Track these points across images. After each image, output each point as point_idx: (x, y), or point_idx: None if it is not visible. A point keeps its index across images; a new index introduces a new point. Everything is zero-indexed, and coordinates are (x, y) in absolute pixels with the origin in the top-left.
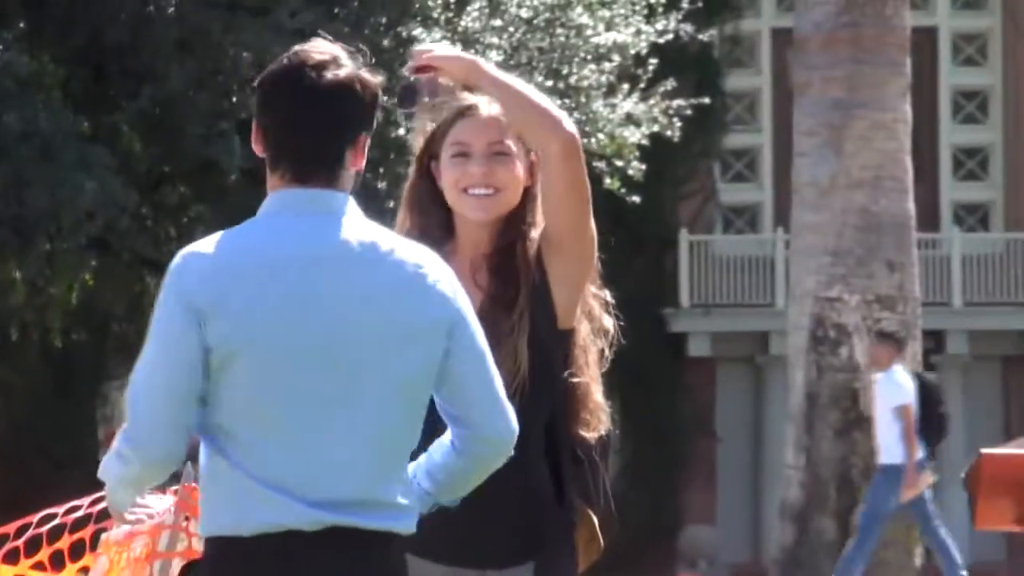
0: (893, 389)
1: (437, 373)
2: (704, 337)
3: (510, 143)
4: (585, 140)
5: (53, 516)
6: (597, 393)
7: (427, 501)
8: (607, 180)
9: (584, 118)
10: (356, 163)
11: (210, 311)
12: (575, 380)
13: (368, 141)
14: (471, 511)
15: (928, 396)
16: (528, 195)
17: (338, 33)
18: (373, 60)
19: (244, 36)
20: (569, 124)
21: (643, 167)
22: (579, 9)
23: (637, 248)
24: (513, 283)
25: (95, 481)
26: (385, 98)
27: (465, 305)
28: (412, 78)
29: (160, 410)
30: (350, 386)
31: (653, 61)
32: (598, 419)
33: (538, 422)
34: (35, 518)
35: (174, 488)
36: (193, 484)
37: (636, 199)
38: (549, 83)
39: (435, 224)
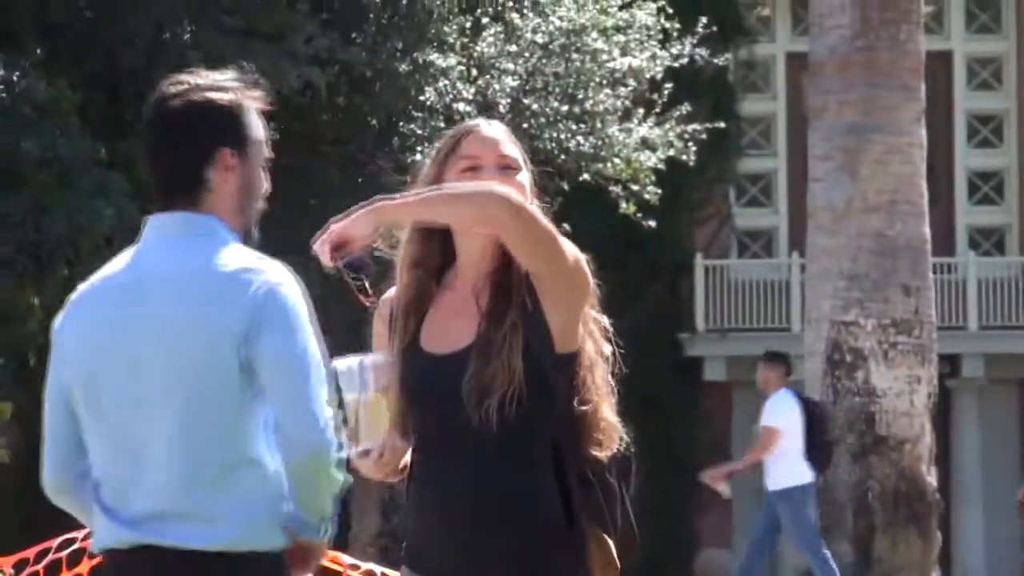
0: (771, 411)
1: (248, 382)
2: (720, 361)
3: (517, 157)
4: (600, 165)
5: (72, 541)
6: (608, 412)
7: (298, 519)
8: (623, 205)
9: (600, 143)
10: (226, 181)
11: (58, 347)
12: (583, 401)
13: (238, 157)
14: (474, 533)
15: (815, 421)
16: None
17: (353, 58)
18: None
19: (259, 62)
20: (498, 189)
21: (658, 192)
22: (594, 34)
23: (653, 273)
24: (508, 300)
25: None
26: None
27: (277, 314)
28: (344, 259)
29: (47, 451)
30: (152, 402)
31: (668, 86)
32: (610, 438)
33: (540, 445)
34: (55, 543)
35: None
36: None
37: (652, 224)
38: (565, 108)
39: (437, 251)
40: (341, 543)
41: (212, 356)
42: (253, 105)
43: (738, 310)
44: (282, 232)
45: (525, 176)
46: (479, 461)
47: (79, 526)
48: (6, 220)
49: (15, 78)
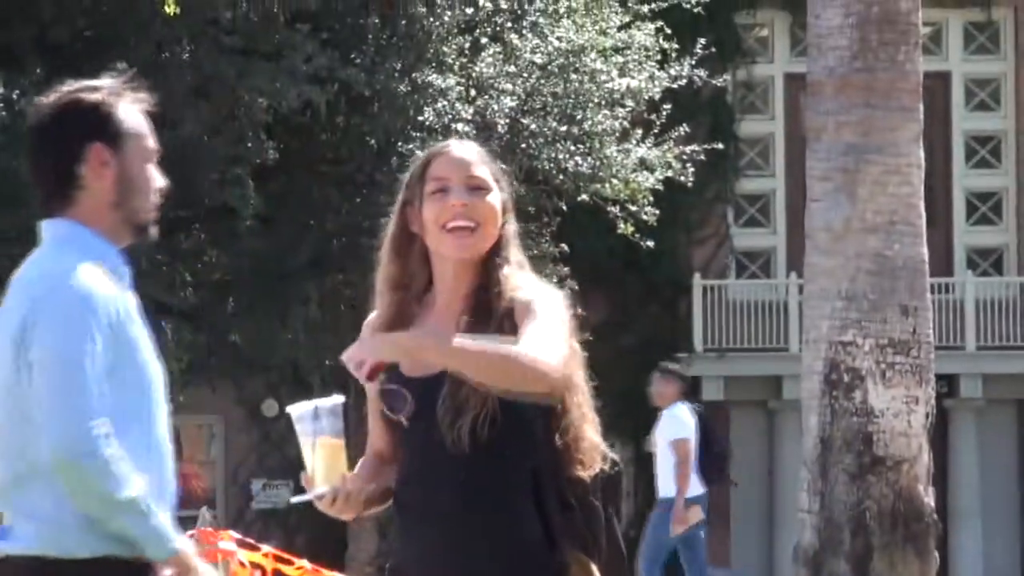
0: (673, 424)
1: (27, 385)
2: (718, 381)
3: (487, 178)
4: (599, 185)
5: None
6: (590, 432)
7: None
8: (621, 225)
9: (598, 163)
10: (101, 176)
11: None
12: (564, 424)
13: (111, 151)
14: (453, 557)
15: (708, 435)
16: (502, 235)
17: (352, 78)
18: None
19: (258, 81)
20: (555, 369)
21: (657, 212)
22: (593, 55)
23: (651, 293)
24: (486, 323)
25: None
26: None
27: (50, 314)
28: (385, 388)
29: None
30: None
31: (667, 106)
32: (592, 458)
33: (516, 468)
34: None
35: (191, 533)
36: (209, 528)
37: (650, 244)
38: (563, 128)
39: (416, 273)
40: (339, 564)
41: (10, 359)
42: (128, 102)
43: (736, 330)
44: (283, 250)
45: (496, 196)
46: (455, 485)
47: None
48: (4, 238)
49: (15, 96)
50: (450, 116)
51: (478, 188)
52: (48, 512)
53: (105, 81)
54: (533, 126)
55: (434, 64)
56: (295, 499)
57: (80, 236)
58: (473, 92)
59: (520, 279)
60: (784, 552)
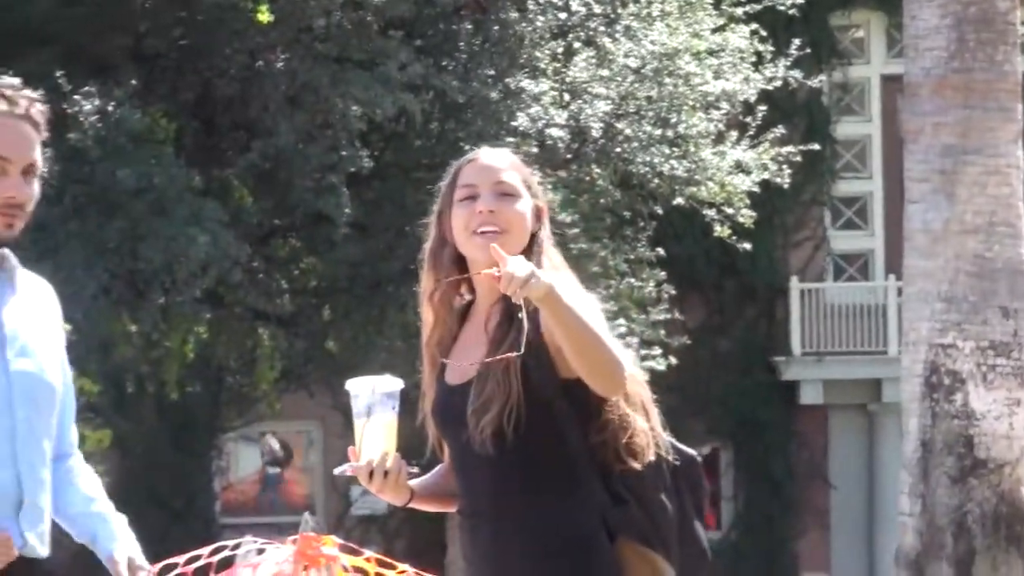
0: None
1: None
2: (816, 385)
3: (516, 184)
4: (694, 188)
5: (174, 566)
6: (641, 423)
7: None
8: (717, 228)
9: (693, 166)
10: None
11: None
12: (607, 419)
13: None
14: (497, 558)
15: None
16: (534, 241)
17: (446, 85)
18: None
19: (352, 89)
20: (629, 377)
21: (753, 215)
22: (687, 58)
23: (748, 296)
24: (510, 324)
25: (212, 531)
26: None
27: None
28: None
29: None
30: None
31: (762, 108)
32: (642, 446)
33: (546, 468)
34: (156, 568)
35: (293, 538)
36: (311, 533)
37: (746, 247)
38: (658, 132)
39: (456, 283)
40: (438, 568)
41: None
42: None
43: (834, 333)
44: (378, 256)
45: (526, 203)
46: (493, 487)
47: (180, 551)
48: (102, 248)
49: (111, 108)
50: (544, 121)
51: (506, 195)
52: None
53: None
54: (628, 130)
55: (527, 69)
56: (338, 469)
57: None
58: (567, 97)
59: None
60: (884, 556)
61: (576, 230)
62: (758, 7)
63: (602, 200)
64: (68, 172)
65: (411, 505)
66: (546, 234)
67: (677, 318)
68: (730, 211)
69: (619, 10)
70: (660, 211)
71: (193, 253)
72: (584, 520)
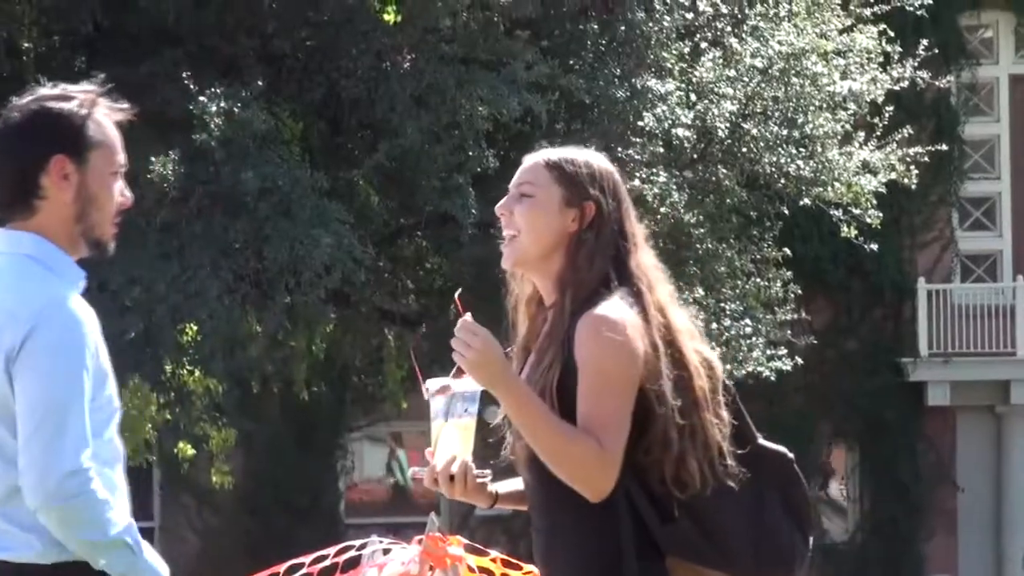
0: None
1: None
2: (943, 386)
3: (538, 183)
4: (821, 189)
5: (300, 566)
6: (684, 450)
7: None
8: (844, 229)
9: (819, 167)
10: (62, 188)
11: None
12: (648, 441)
13: (75, 164)
14: (541, 569)
15: None
16: (577, 242)
17: (572, 85)
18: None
19: (479, 90)
20: (606, 477)
21: (880, 215)
22: (814, 58)
23: (875, 297)
24: (551, 337)
25: (337, 531)
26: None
27: (36, 354)
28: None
29: None
30: None
31: (889, 109)
32: (692, 476)
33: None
34: (282, 568)
35: (419, 538)
36: (437, 534)
37: (873, 248)
38: (784, 132)
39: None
40: None
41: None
42: (100, 113)
43: (962, 334)
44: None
45: (541, 203)
46: (536, 500)
47: (305, 551)
48: (228, 248)
49: (237, 108)
50: (670, 121)
51: (523, 195)
52: (21, 532)
53: (80, 89)
54: (754, 131)
55: (653, 69)
56: (412, 471)
57: (49, 254)
58: (693, 97)
59: (586, 299)
60: (1013, 557)
61: (702, 230)
62: (886, 8)
63: (728, 200)
64: (194, 173)
65: (499, 506)
66: (588, 238)
67: (804, 318)
68: (857, 212)
69: (746, 10)
70: (787, 212)
71: (317, 254)
72: (618, 538)
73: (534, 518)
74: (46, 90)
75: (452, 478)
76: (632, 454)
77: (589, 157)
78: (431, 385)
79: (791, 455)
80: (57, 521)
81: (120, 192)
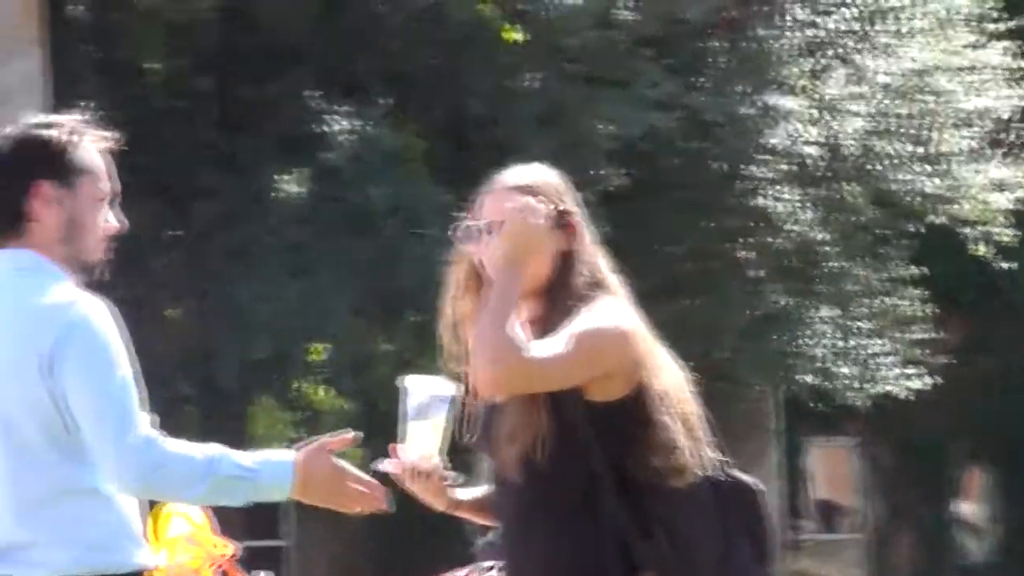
0: None
1: (55, 411)
2: None
3: (501, 208)
4: (952, 206)
5: None
6: (679, 438)
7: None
8: (976, 247)
9: (950, 184)
10: (49, 213)
11: None
12: (655, 437)
13: (62, 189)
14: None
15: None
16: (566, 261)
17: (697, 103)
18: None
19: (603, 108)
20: (532, 364)
21: (1014, 233)
22: (943, 75)
23: (1010, 316)
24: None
25: (471, 550)
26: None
27: (78, 349)
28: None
29: None
30: None
31: (1018, 125)
32: (685, 464)
33: (571, 497)
34: None
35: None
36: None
37: (1007, 266)
38: (909, 149)
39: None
40: None
41: (21, 387)
42: (88, 141)
43: None
44: (630, 275)
45: (518, 215)
46: (518, 509)
47: (438, 569)
48: (356, 267)
49: (365, 127)
50: (796, 138)
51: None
52: (75, 535)
53: (66, 118)
54: (884, 148)
55: (779, 86)
56: (377, 464)
57: (50, 264)
58: (820, 114)
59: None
60: None
61: (831, 248)
62: (1014, 25)
63: (856, 218)
64: (321, 191)
65: (455, 513)
66: (570, 267)
67: (938, 337)
68: (989, 229)
69: (874, 27)
70: (919, 229)
71: (444, 274)
72: (601, 550)
73: (505, 521)
74: (33, 119)
75: (419, 473)
76: (621, 459)
77: (546, 175)
78: (408, 382)
79: (762, 487)
80: (159, 493)
81: (106, 219)
